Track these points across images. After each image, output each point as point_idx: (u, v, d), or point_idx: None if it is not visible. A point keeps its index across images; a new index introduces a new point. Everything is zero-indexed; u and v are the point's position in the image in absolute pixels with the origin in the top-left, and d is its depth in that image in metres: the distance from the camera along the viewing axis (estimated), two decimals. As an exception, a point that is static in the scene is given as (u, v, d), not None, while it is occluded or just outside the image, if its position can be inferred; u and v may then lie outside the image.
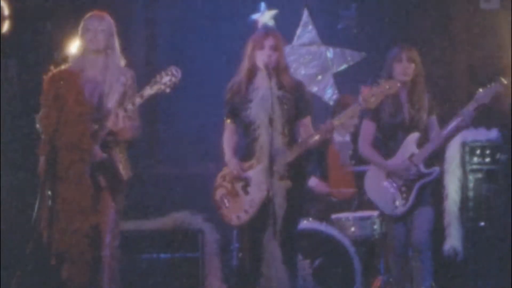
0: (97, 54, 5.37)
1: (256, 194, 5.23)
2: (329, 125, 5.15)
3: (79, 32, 5.44)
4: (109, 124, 5.18)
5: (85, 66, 5.37)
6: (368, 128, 5.70)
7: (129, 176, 5.37)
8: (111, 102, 5.28)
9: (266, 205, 5.16)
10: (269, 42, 5.22)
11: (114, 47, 5.38)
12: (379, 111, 5.59)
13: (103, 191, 5.27)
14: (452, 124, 5.52)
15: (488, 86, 5.48)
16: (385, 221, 5.89)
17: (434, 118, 5.68)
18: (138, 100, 5.18)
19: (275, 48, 5.22)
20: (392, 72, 5.60)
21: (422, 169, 5.58)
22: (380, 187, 5.67)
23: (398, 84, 5.26)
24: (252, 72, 5.27)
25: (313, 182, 6.67)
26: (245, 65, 5.31)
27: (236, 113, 5.36)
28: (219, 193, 5.36)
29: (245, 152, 5.36)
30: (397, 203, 5.62)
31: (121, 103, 5.25)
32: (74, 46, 6.69)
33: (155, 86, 5.16)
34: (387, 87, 5.16)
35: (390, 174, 5.63)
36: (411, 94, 5.64)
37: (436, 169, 5.65)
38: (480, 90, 5.48)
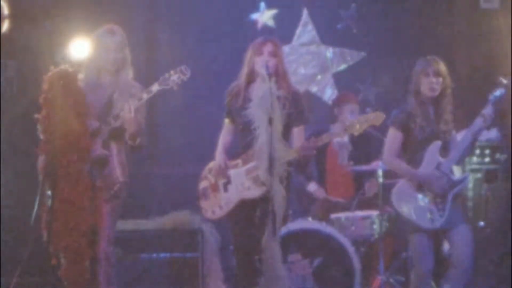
0: (111, 69, 5.41)
1: (233, 194, 5.40)
2: (312, 143, 5.29)
3: (91, 47, 5.47)
4: (122, 113, 5.22)
5: (98, 79, 5.41)
6: (395, 138, 5.53)
7: (126, 179, 5.38)
8: (118, 105, 5.31)
9: (245, 209, 5.30)
10: (267, 48, 5.33)
11: (126, 61, 5.42)
12: (408, 122, 5.47)
13: (98, 190, 5.26)
14: (475, 126, 5.39)
15: (504, 81, 5.40)
16: (412, 234, 5.51)
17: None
18: (145, 95, 5.25)
19: (274, 54, 5.34)
20: (420, 87, 5.47)
21: (453, 177, 5.47)
22: (413, 199, 5.46)
23: (384, 116, 5.28)
24: (251, 77, 5.36)
25: (313, 187, 6.68)
26: (244, 70, 5.41)
27: (234, 114, 5.44)
28: (202, 184, 5.56)
29: (244, 151, 5.40)
30: (434, 215, 5.40)
31: (130, 98, 5.31)
32: (75, 47, 6.79)
33: (164, 83, 5.24)
34: (372, 117, 5.31)
35: (422, 186, 5.44)
36: (439, 107, 5.50)
37: (467, 174, 5.63)
38: (497, 91, 5.39)
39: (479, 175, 6.86)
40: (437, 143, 5.44)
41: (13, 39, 6.79)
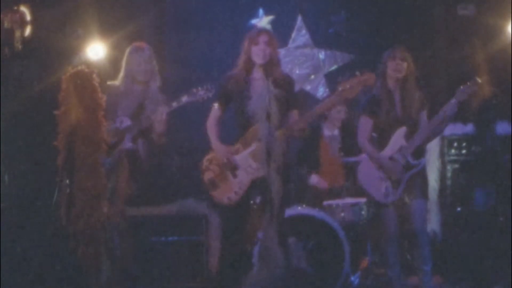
0: (142, 80, 5.74)
1: (244, 177, 5.35)
2: (312, 112, 5.32)
3: (124, 63, 5.76)
4: (153, 116, 5.53)
5: (131, 90, 5.72)
6: (366, 124, 5.74)
7: (148, 165, 5.72)
8: (148, 109, 5.64)
9: (258, 187, 5.30)
10: (263, 38, 5.34)
11: (154, 73, 5.75)
12: (375, 108, 5.67)
13: (124, 170, 5.52)
14: (437, 118, 5.55)
15: (467, 83, 5.55)
16: (375, 208, 5.92)
17: (424, 113, 5.70)
18: (175, 104, 5.56)
19: (269, 44, 5.34)
20: (386, 68, 5.68)
21: (411, 160, 5.63)
22: (373, 177, 5.71)
23: (374, 76, 5.30)
24: (249, 65, 5.39)
25: (314, 179, 6.67)
26: (242, 59, 5.42)
27: (227, 100, 5.45)
28: (207, 175, 5.45)
29: (235, 137, 5.43)
30: (388, 191, 5.66)
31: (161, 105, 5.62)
32: (91, 49, 6.90)
33: (191, 97, 5.54)
34: (364, 77, 5.22)
35: (382, 166, 5.68)
36: (403, 91, 5.67)
37: (423, 160, 5.71)
38: (461, 87, 5.54)
39: (456, 165, 6.89)
40: (403, 129, 5.65)
41: (35, 42, 6.76)
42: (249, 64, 5.38)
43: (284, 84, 5.36)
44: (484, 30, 7.24)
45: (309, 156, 6.78)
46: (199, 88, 5.48)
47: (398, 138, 5.66)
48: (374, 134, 5.80)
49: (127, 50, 5.78)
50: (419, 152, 5.67)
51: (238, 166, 5.37)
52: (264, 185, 5.17)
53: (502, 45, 7.11)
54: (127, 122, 5.62)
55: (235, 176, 5.38)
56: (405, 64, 5.68)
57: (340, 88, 5.24)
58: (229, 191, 5.38)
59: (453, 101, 5.52)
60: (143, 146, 5.70)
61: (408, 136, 5.63)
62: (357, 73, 5.25)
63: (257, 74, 5.34)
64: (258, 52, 5.30)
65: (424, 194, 5.74)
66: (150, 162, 5.77)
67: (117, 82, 5.78)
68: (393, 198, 5.65)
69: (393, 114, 5.68)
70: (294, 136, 5.34)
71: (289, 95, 5.36)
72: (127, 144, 5.59)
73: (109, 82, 5.80)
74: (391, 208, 5.67)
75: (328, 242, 6.15)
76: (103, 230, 5.32)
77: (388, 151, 5.67)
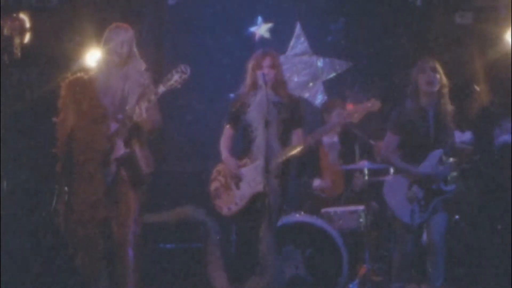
0: (120, 63, 5.31)
1: (246, 190, 5.48)
2: (310, 138, 5.46)
3: (103, 42, 5.38)
4: (134, 116, 5.15)
5: (109, 74, 5.31)
6: (392, 141, 5.41)
7: (151, 170, 5.35)
8: (131, 102, 5.23)
9: (259, 200, 5.34)
10: (266, 62, 5.45)
11: (135, 54, 5.36)
12: (404, 126, 5.34)
13: (125, 184, 5.23)
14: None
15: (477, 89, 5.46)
16: (397, 228, 5.47)
17: (454, 133, 5.43)
18: (153, 97, 5.19)
19: (272, 67, 5.45)
20: (417, 83, 5.28)
21: (443, 186, 5.40)
22: (401, 194, 5.37)
23: (380, 104, 5.27)
24: (254, 88, 5.49)
25: (317, 182, 6.66)
26: (247, 82, 5.55)
27: (236, 120, 5.55)
28: (214, 185, 5.63)
29: (243, 152, 5.52)
30: (415, 214, 5.35)
31: (140, 100, 5.23)
32: (90, 56, 6.83)
33: (167, 83, 5.16)
34: (369, 105, 5.34)
35: (415, 182, 5.33)
36: (437, 107, 5.32)
37: (453, 186, 5.45)
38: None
39: (454, 173, 6.46)
40: (439, 151, 5.32)
41: (34, 49, 6.80)
42: (254, 87, 5.47)
43: (290, 104, 5.49)
44: (482, 39, 7.25)
45: (309, 163, 6.76)
46: (173, 71, 5.11)
47: (432, 160, 5.32)
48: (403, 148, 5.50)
49: (107, 30, 5.37)
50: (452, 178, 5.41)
51: (243, 178, 5.49)
52: (263, 196, 5.25)
53: (500, 53, 7.14)
54: (113, 126, 5.21)
55: (238, 188, 5.52)
56: (437, 76, 5.30)
57: (345, 113, 5.46)
58: (230, 202, 5.56)
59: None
60: (140, 150, 5.30)
61: (443, 159, 5.36)
62: (365, 101, 5.38)
63: (260, 91, 5.39)
64: (260, 75, 5.37)
65: (445, 208, 5.49)
66: (151, 168, 5.33)
67: (87, 72, 5.38)
68: (419, 222, 5.37)
69: (424, 132, 5.34)
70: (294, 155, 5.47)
71: (294, 115, 5.48)
72: (120, 151, 5.19)
73: (91, 74, 5.34)
74: (413, 232, 5.41)
75: (327, 249, 6.16)
76: (102, 237, 5.18)
77: (425, 167, 5.33)
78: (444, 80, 5.34)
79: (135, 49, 5.36)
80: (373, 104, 5.30)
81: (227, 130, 5.61)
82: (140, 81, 5.29)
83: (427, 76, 5.28)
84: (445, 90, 5.33)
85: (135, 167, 5.26)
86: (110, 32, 5.36)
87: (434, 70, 5.31)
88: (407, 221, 5.38)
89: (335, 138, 6.80)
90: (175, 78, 5.14)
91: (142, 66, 5.38)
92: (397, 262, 5.53)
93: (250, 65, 5.53)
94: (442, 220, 5.47)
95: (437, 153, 5.35)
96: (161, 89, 5.17)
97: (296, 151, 5.38)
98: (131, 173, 5.23)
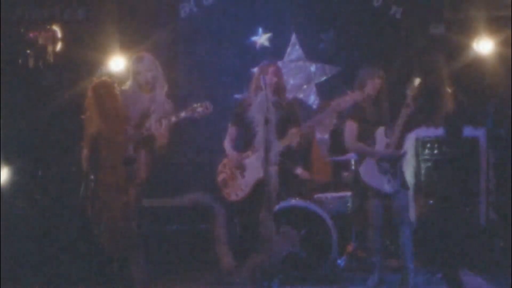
0: (147, 88, 5.55)
1: (250, 177, 5.72)
2: (307, 126, 5.74)
3: (131, 72, 5.58)
4: (152, 128, 5.34)
5: (139, 96, 5.52)
6: (353, 128, 5.91)
7: (146, 174, 5.48)
8: (153, 119, 5.43)
9: (260, 187, 5.51)
10: (271, 69, 5.77)
11: (158, 80, 5.53)
12: (358, 114, 5.87)
13: (127, 180, 5.44)
14: (402, 116, 5.80)
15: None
16: (372, 199, 5.84)
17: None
18: (174, 119, 5.40)
19: (275, 74, 5.77)
20: (365, 86, 5.90)
21: (398, 151, 5.87)
22: (375, 172, 5.82)
23: (362, 94, 5.69)
24: (258, 92, 5.66)
25: (299, 170, 6.75)
26: (253, 85, 5.81)
27: (239, 120, 5.76)
28: (221, 176, 5.86)
29: (245, 146, 5.75)
30: (391, 182, 5.80)
31: (162, 118, 5.43)
32: (113, 63, 6.98)
33: (190, 112, 5.39)
34: (354, 95, 5.66)
35: (380, 160, 5.82)
36: (378, 101, 5.90)
37: (405, 150, 5.94)
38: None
39: (429, 164, 6.97)
40: (381, 128, 5.88)
41: (65, 56, 6.89)
42: (258, 91, 5.62)
43: (288, 106, 5.74)
44: (452, 47, 7.40)
45: (302, 156, 6.85)
46: (198, 104, 5.37)
47: (381, 137, 5.87)
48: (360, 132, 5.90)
49: (131, 61, 5.65)
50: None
51: (246, 168, 5.72)
52: (264, 183, 5.41)
53: (468, 60, 7.31)
54: (129, 130, 5.42)
55: (243, 176, 5.75)
56: (381, 82, 5.93)
57: (332, 104, 5.70)
58: (237, 189, 5.76)
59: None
60: (145, 157, 5.46)
61: (387, 134, 5.84)
62: (348, 92, 5.76)
63: (262, 92, 5.54)
64: (265, 80, 5.54)
65: (407, 186, 5.95)
66: (147, 173, 5.44)
67: (110, 76, 5.71)
68: (396, 188, 5.82)
69: (374, 119, 5.90)
70: (292, 147, 5.66)
71: (291, 115, 5.73)
72: (129, 152, 5.38)
73: (122, 87, 5.61)
74: (382, 201, 5.80)
75: (319, 229, 6.25)
76: (124, 219, 5.39)
77: (380, 147, 5.87)
78: (384, 84, 5.90)
79: (158, 73, 5.53)
80: (358, 96, 5.65)
81: (231, 130, 5.82)
82: (165, 107, 5.48)
83: (374, 83, 5.87)
84: (385, 91, 5.88)
85: (132, 171, 5.40)
86: (135, 63, 5.52)
87: (380, 78, 5.89)
88: (385, 190, 5.80)
89: (326, 135, 6.94)
90: (198, 110, 5.36)
91: (165, 87, 5.53)
92: (371, 236, 5.91)
93: (257, 71, 5.76)
94: (406, 196, 5.92)
95: (381, 130, 5.85)
96: (183, 114, 5.38)
97: (292, 140, 5.55)
98: (131, 173, 5.39)
